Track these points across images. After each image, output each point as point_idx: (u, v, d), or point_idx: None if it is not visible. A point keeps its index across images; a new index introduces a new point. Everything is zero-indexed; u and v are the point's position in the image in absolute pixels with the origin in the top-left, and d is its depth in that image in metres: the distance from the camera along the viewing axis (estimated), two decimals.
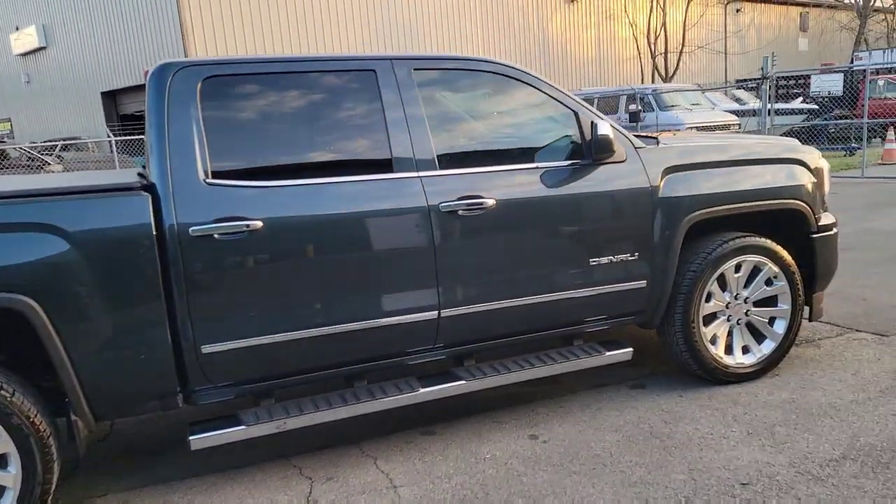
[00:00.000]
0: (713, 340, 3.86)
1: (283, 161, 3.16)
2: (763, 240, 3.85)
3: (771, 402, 3.63)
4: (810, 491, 2.80)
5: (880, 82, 18.11)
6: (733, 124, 16.35)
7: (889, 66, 20.66)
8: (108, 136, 16.77)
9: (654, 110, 16.79)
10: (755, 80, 17.36)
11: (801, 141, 4.39)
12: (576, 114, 3.53)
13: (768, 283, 3.93)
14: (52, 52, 23.89)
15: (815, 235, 4.00)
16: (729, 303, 3.87)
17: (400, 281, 3.19)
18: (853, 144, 15.74)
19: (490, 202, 3.25)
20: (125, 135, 19.67)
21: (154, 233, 2.76)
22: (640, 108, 16.63)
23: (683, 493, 2.85)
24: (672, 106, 16.87)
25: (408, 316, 3.20)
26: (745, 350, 3.95)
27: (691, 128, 15.50)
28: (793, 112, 17.98)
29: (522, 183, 3.39)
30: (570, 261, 3.50)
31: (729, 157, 3.89)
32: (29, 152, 15.23)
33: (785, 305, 3.96)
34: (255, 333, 2.95)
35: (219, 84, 3.01)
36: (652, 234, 3.61)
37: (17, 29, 25.47)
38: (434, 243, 3.18)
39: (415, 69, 3.31)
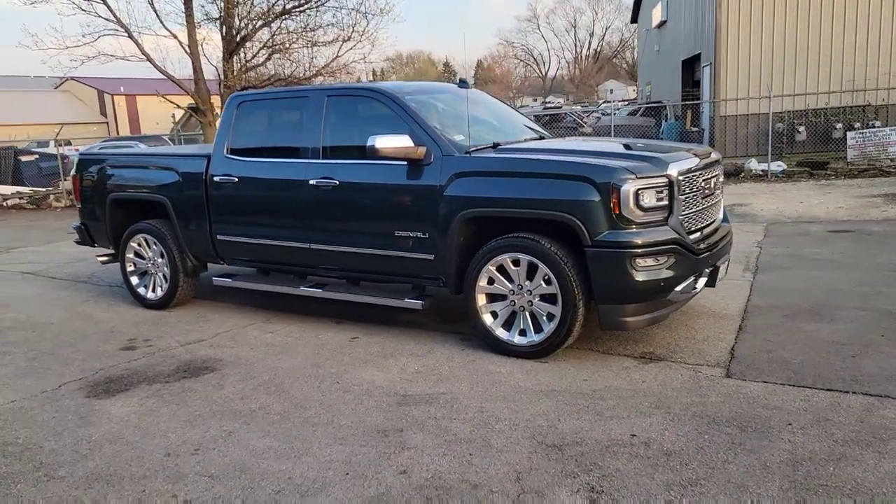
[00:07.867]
0: (494, 315, 4.74)
1: (253, 146, 5.85)
2: (534, 241, 4.45)
3: (462, 365, 4.50)
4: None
5: None
6: None
7: None
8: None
9: None
10: None
11: None
12: (409, 128, 4.99)
13: (547, 281, 4.49)
14: (670, 25, 27.43)
15: (588, 249, 4.28)
16: (512, 290, 4.65)
17: (292, 220, 5.55)
18: None
19: (335, 182, 5.23)
20: (686, 99, 22.01)
21: (204, 177, 5.96)
22: None
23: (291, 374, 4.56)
24: None
25: (295, 243, 5.55)
26: (523, 333, 4.65)
27: None
28: None
29: (357, 171, 5.18)
30: (383, 228, 5.10)
31: (513, 169, 4.60)
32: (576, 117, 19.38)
33: (558, 305, 4.45)
34: (238, 235, 5.88)
35: (245, 106, 5.90)
36: (438, 221, 4.82)
37: (656, 5, 29.95)
38: (307, 203, 5.40)
39: (328, 95, 5.44)
